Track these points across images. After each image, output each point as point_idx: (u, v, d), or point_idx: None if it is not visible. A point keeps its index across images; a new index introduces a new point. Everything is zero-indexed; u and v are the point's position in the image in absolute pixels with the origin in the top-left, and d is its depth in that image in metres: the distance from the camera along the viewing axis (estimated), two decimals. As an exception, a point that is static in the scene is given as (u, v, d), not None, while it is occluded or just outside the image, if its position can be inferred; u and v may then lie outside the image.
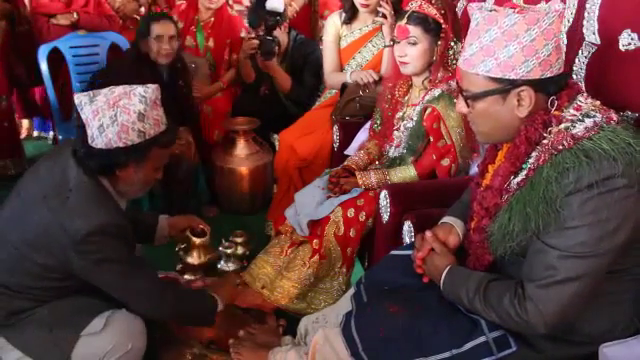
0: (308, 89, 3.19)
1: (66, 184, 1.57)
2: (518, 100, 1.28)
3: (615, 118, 1.24)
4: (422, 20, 2.04)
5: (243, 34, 3.13)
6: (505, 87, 1.27)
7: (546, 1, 1.46)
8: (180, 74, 2.93)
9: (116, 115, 1.53)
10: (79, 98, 1.57)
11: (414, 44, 2.06)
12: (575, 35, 1.64)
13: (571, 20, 1.67)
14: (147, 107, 1.56)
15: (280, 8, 3.04)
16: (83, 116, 1.57)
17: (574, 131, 1.22)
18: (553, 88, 1.28)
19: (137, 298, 1.68)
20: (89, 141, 1.57)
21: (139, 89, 1.57)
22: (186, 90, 2.98)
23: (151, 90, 1.58)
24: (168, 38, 2.76)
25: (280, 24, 3.08)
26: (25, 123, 4.13)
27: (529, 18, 1.24)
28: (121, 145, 1.55)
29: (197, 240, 2.18)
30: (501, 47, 1.25)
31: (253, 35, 3.10)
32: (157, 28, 2.75)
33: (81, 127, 1.59)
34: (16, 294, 1.61)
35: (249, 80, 3.30)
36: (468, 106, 1.34)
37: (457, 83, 1.38)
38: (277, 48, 3.06)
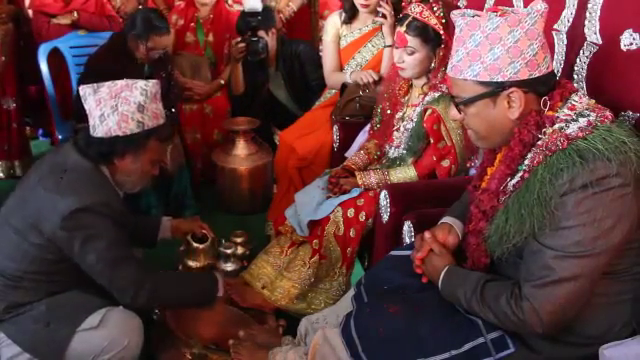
0: (314, 87, 3.18)
1: (63, 166, 1.64)
2: (508, 102, 1.28)
3: (610, 117, 1.24)
4: (421, 30, 2.03)
5: (233, 42, 3.13)
6: (494, 90, 1.28)
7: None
8: (162, 66, 2.94)
9: (117, 105, 1.60)
10: (84, 89, 1.65)
11: (411, 54, 2.06)
12: (576, 35, 1.64)
13: (571, 20, 1.66)
14: (147, 99, 1.63)
15: (258, 7, 3.05)
16: (86, 106, 1.64)
17: (568, 131, 1.22)
18: (543, 88, 1.29)
19: (121, 283, 1.66)
20: (90, 131, 1.64)
21: (140, 83, 1.65)
22: (167, 83, 2.97)
23: (152, 84, 1.66)
24: (160, 49, 2.78)
25: (268, 25, 3.08)
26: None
27: (511, 20, 1.25)
28: (120, 134, 1.62)
29: (198, 246, 2.18)
30: (486, 51, 1.26)
31: (239, 39, 3.11)
32: (156, 42, 2.73)
33: (78, 131, 1.67)
34: (14, 283, 1.64)
35: (238, 92, 3.30)
36: (460, 112, 1.36)
37: (448, 90, 1.39)
38: (265, 47, 3.07)
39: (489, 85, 1.28)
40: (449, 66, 1.36)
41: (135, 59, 2.82)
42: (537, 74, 1.27)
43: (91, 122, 1.64)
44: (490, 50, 1.26)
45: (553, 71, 1.32)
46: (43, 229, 1.59)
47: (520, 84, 1.26)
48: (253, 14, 3.04)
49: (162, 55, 2.89)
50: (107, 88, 1.63)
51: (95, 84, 1.64)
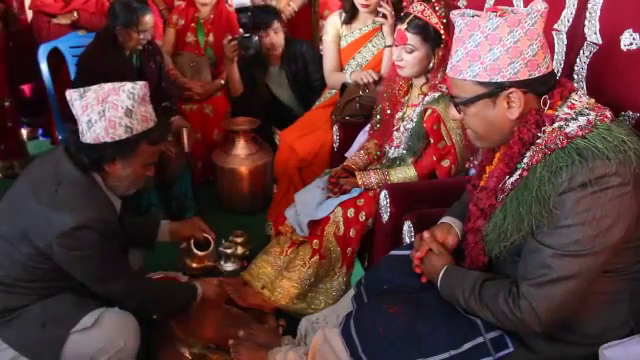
0: (316, 87, 3.19)
1: (56, 178, 1.60)
2: (508, 102, 1.28)
3: (609, 116, 1.24)
4: (422, 29, 2.03)
5: (225, 41, 3.13)
6: (494, 90, 1.28)
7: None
8: (151, 57, 2.94)
9: (104, 110, 1.56)
10: (70, 94, 1.60)
11: (411, 52, 2.06)
12: (576, 35, 1.64)
13: (571, 20, 1.66)
14: (135, 103, 1.59)
15: (246, 2, 3.05)
16: (74, 111, 1.61)
17: (567, 130, 1.22)
18: (542, 88, 1.28)
19: (109, 295, 1.72)
20: (79, 136, 1.60)
21: (128, 85, 1.60)
22: (158, 73, 2.98)
23: (139, 87, 1.61)
24: (149, 28, 2.80)
25: (266, 23, 3.08)
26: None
27: (511, 20, 1.24)
28: (109, 140, 1.58)
29: (200, 253, 2.18)
30: (486, 51, 1.26)
31: (231, 38, 3.11)
32: (145, 22, 2.76)
33: (75, 130, 1.63)
34: (8, 289, 1.63)
35: (236, 93, 3.29)
36: (460, 112, 1.36)
37: (448, 90, 1.39)
38: (256, 44, 3.07)
39: (489, 85, 1.28)
40: (449, 66, 1.36)
41: (123, 52, 2.83)
42: (537, 74, 1.26)
43: (79, 128, 1.60)
44: (490, 50, 1.25)
45: (553, 71, 1.32)
46: (35, 241, 1.57)
47: (520, 84, 1.26)
48: (242, 10, 3.04)
49: (148, 46, 2.90)
50: (94, 92, 1.58)
51: (82, 88, 1.60)
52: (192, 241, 2.17)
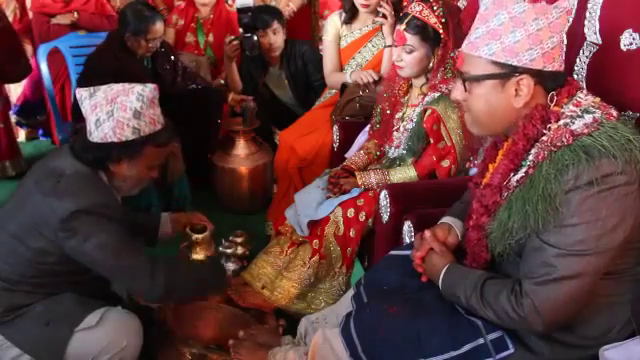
0: (316, 87, 3.20)
1: (60, 171, 1.61)
2: (516, 90, 1.27)
3: (615, 114, 1.24)
4: (421, 29, 2.03)
5: (226, 41, 3.13)
6: (506, 72, 1.27)
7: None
8: (165, 58, 2.93)
9: (113, 111, 1.57)
10: (80, 93, 1.62)
11: (410, 52, 2.05)
12: (576, 35, 1.64)
13: (571, 20, 1.67)
14: (144, 105, 1.60)
15: (248, 2, 3.05)
16: (83, 110, 1.62)
17: (573, 127, 1.21)
18: (551, 83, 1.28)
19: (127, 277, 1.65)
20: (87, 135, 1.62)
21: (138, 87, 1.61)
22: (173, 72, 2.97)
23: (149, 89, 1.62)
24: (159, 37, 2.80)
25: (265, 24, 3.08)
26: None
27: (538, 8, 1.24)
28: (116, 140, 1.59)
29: (196, 236, 2.17)
30: (507, 32, 1.25)
31: (233, 37, 3.11)
32: (155, 30, 2.75)
33: (77, 131, 1.65)
34: (12, 286, 1.63)
35: (236, 92, 3.28)
36: (465, 90, 1.33)
37: (457, 69, 1.38)
38: (256, 44, 3.06)
39: (502, 67, 1.26)
40: (465, 42, 1.34)
41: (135, 55, 2.82)
42: (550, 68, 1.26)
43: (87, 127, 1.62)
44: (512, 32, 1.24)
45: (564, 71, 1.31)
46: (44, 232, 1.57)
47: (532, 73, 1.25)
48: (244, 10, 3.04)
49: (161, 48, 2.90)
50: (103, 92, 1.60)
51: (92, 87, 1.62)
52: (189, 228, 2.16)
